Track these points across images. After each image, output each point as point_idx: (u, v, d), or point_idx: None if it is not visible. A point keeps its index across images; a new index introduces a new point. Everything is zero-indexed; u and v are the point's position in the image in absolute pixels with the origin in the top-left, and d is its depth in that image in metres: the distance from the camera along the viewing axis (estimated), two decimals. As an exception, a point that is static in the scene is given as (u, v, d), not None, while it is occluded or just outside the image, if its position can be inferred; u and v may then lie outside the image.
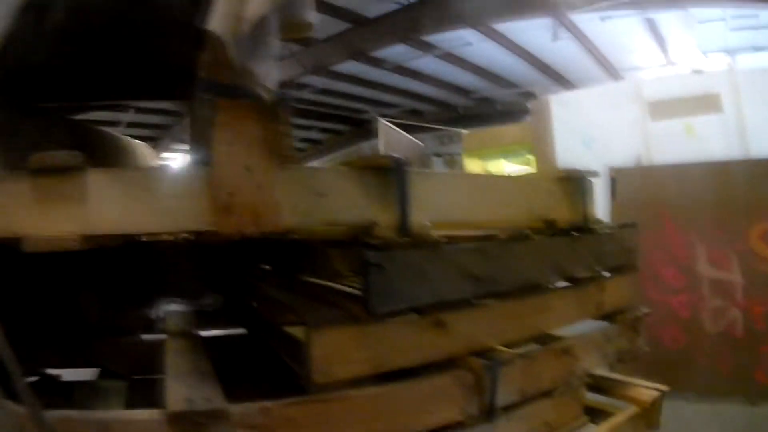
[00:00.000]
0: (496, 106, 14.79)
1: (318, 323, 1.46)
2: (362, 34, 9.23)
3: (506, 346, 1.81)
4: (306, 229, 1.56)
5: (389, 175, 1.57)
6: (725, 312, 3.91)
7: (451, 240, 1.64)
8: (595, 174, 2.17)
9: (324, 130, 18.04)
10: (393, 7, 8.65)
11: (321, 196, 1.51)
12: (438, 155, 15.91)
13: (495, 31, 9.33)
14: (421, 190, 1.61)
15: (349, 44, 9.59)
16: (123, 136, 5.02)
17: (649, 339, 3.91)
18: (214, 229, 1.44)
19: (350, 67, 11.12)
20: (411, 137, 11.43)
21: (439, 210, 1.69)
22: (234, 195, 1.42)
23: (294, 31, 1.60)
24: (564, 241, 2.01)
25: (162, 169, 2.93)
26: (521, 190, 2.00)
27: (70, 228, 1.36)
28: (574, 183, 2.11)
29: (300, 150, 18.74)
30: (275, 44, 1.53)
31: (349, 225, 1.56)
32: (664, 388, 2.40)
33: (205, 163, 1.50)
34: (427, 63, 11.31)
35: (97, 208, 1.39)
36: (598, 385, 2.37)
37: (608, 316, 2.23)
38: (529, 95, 10.85)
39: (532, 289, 1.88)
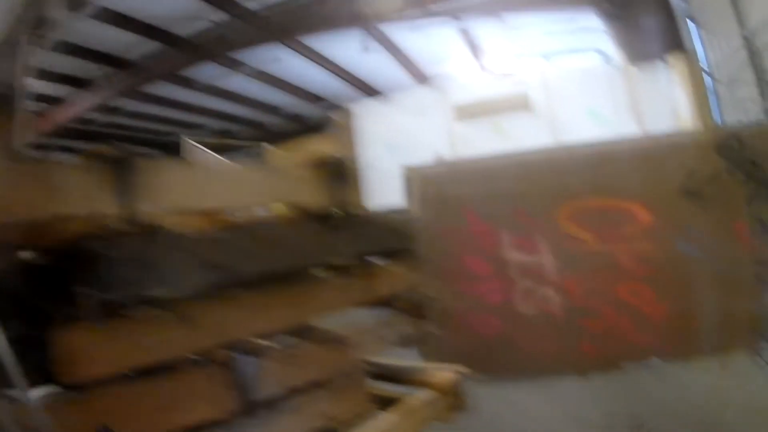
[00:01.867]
0: (306, 122, 14.61)
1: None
2: (172, 53, 8.89)
3: (265, 338, 1.81)
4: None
5: (121, 167, 1.53)
6: (536, 293, 4.12)
7: (186, 230, 1.62)
8: (352, 158, 2.20)
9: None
10: (204, 25, 8.28)
11: (55, 190, 1.45)
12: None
13: (304, 46, 9.23)
14: (154, 181, 1.56)
15: (159, 65, 9.22)
16: None
17: (461, 327, 4.05)
18: None
19: (160, 88, 10.60)
20: (219, 156, 11.06)
21: (173, 199, 1.65)
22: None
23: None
24: (316, 227, 1.99)
25: None
26: (265, 179, 1.97)
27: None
28: (331, 169, 2.08)
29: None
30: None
31: (81, 218, 1.49)
32: (462, 370, 2.41)
33: None
34: (236, 82, 10.93)
35: None
36: (393, 375, 2.37)
37: (385, 303, 2.25)
38: (336, 108, 10.81)
39: (287, 278, 1.85)
